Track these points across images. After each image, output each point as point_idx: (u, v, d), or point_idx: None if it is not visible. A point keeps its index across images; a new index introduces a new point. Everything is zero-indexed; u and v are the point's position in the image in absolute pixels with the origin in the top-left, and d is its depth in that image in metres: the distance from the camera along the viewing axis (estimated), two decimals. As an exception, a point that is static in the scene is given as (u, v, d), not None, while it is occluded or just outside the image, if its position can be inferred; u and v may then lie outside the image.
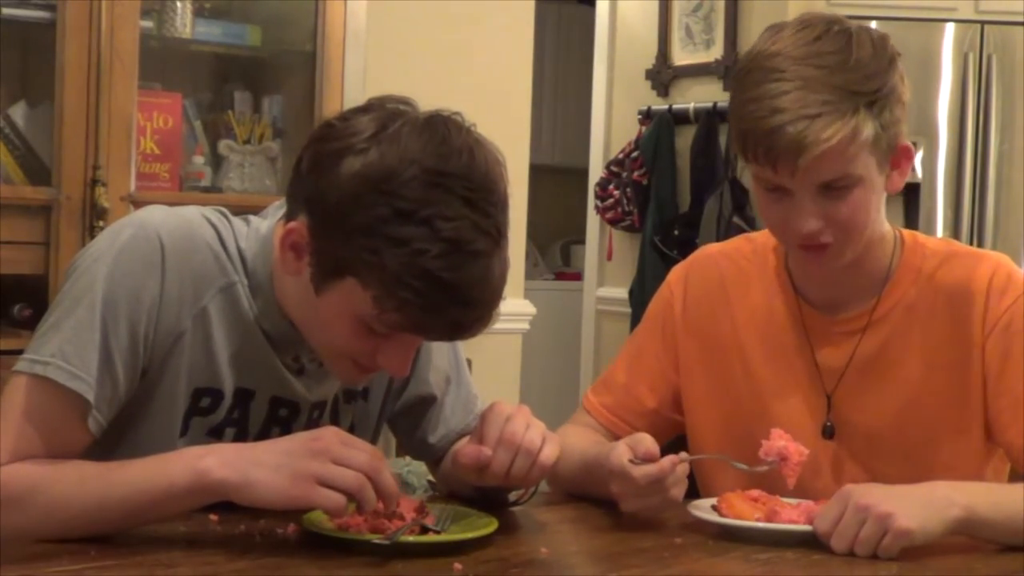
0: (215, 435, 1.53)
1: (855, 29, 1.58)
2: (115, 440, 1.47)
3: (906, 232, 1.75)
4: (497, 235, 1.38)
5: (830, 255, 1.62)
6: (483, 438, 1.47)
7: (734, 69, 1.67)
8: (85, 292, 1.43)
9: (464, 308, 1.37)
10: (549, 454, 1.47)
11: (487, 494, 1.61)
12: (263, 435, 1.55)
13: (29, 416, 1.40)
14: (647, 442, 1.53)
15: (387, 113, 1.40)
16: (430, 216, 1.33)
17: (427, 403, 1.71)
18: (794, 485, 1.56)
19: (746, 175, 1.58)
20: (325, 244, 1.39)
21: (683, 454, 1.55)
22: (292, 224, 1.42)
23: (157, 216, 1.49)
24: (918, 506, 1.46)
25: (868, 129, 1.54)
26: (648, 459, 1.51)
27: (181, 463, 1.36)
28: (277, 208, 1.55)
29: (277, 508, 1.35)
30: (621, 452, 1.53)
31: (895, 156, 1.62)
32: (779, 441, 1.56)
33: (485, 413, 1.50)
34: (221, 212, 1.56)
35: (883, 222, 1.69)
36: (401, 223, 1.33)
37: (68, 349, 1.41)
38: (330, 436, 1.38)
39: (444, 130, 1.38)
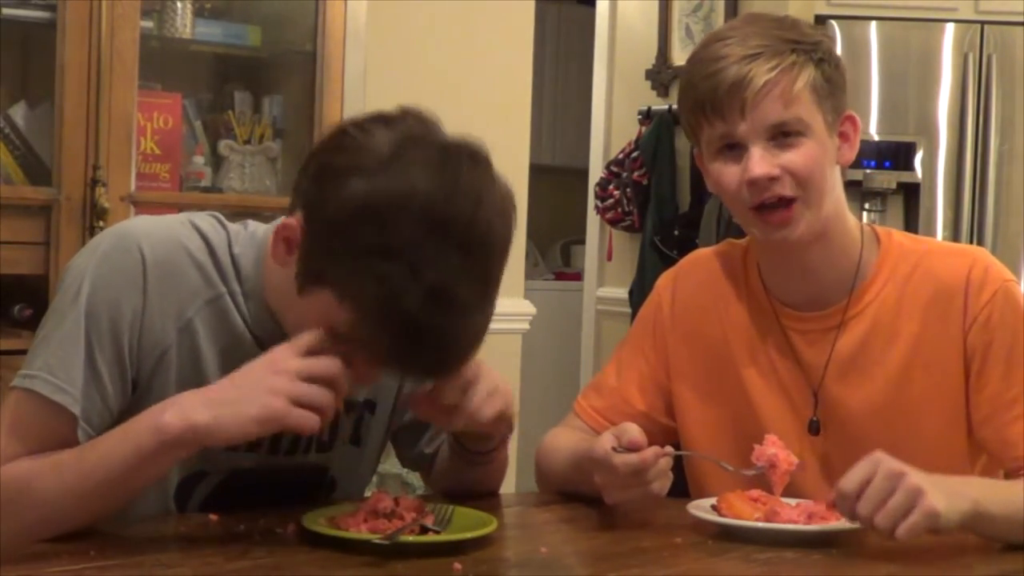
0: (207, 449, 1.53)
1: (787, 15, 1.70)
2: None
3: (880, 229, 1.76)
4: (485, 286, 1.36)
5: (794, 215, 1.63)
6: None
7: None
8: (70, 307, 1.44)
9: (437, 355, 1.37)
10: (490, 408, 1.50)
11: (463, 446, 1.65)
12: (256, 445, 1.54)
13: (18, 429, 1.41)
14: (632, 432, 1.53)
15: (406, 135, 1.37)
16: (417, 259, 1.31)
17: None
18: (780, 493, 1.57)
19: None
20: (313, 250, 1.38)
21: (668, 447, 1.56)
22: (289, 219, 1.42)
23: (140, 227, 1.48)
24: (942, 491, 1.42)
25: (808, 72, 1.61)
26: (632, 449, 1.52)
27: (143, 424, 1.36)
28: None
29: (252, 437, 1.36)
30: (605, 441, 1.54)
31: (842, 125, 1.67)
32: (770, 448, 1.57)
33: None
34: (215, 217, 1.54)
35: (847, 217, 1.72)
36: (386, 259, 1.31)
37: (54, 363, 1.42)
38: (286, 353, 1.37)
39: (457, 167, 1.35)
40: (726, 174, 1.64)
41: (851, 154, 1.69)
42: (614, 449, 1.52)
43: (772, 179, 1.61)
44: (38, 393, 1.41)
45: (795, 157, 1.61)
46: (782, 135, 1.61)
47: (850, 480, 1.42)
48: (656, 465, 1.52)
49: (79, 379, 1.42)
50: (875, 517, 1.40)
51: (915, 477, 1.40)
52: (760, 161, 1.60)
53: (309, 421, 1.34)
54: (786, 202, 1.62)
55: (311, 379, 1.35)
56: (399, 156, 1.34)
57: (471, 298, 1.34)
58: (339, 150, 1.39)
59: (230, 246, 1.51)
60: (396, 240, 1.31)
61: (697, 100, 1.63)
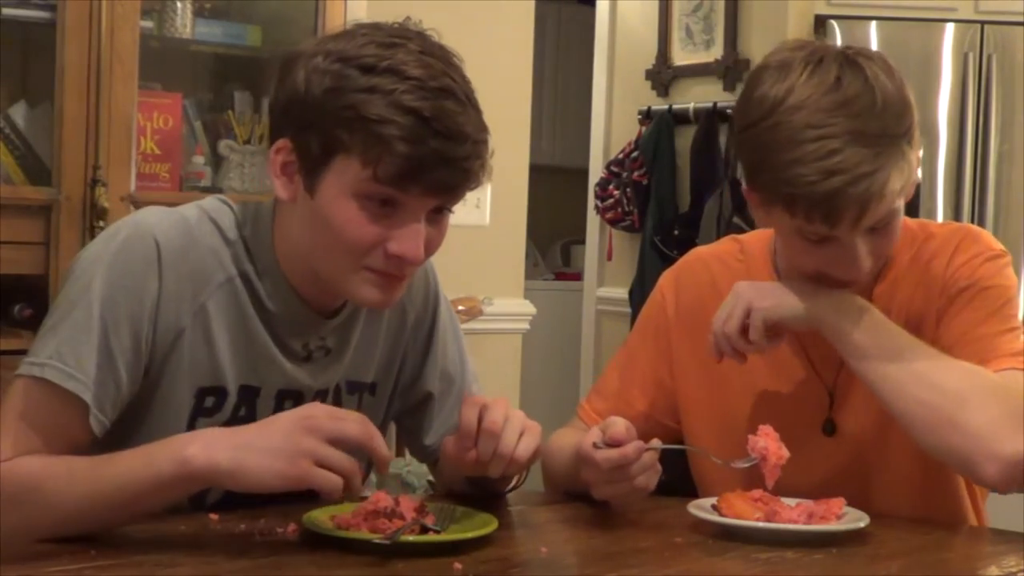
0: None
1: (859, 59, 1.55)
2: (119, 441, 1.47)
3: None
4: (466, 83, 1.45)
5: (862, 279, 1.63)
6: (463, 431, 1.48)
7: (744, 115, 1.56)
8: (81, 295, 1.44)
9: (446, 140, 1.40)
10: (525, 448, 1.47)
11: (481, 484, 1.61)
12: None
13: (28, 417, 1.41)
14: (616, 426, 1.53)
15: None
16: (392, 65, 1.41)
17: (427, 401, 1.72)
18: (771, 486, 1.56)
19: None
20: (307, 134, 1.43)
21: (654, 440, 1.55)
22: (274, 147, 1.48)
23: (152, 217, 1.51)
24: (781, 293, 1.62)
25: (913, 165, 1.56)
26: (613, 444, 1.52)
27: (166, 453, 1.35)
28: None
29: (273, 490, 1.34)
30: (590, 436, 1.55)
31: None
32: (761, 440, 1.56)
33: (462, 406, 1.50)
34: (222, 201, 1.57)
35: None
36: (367, 75, 1.40)
37: (65, 350, 1.42)
38: (319, 412, 1.38)
39: (396, 24, 1.49)
40: (809, 258, 1.61)
41: (911, 190, 1.62)
42: (595, 445, 1.52)
43: None
44: (48, 381, 1.41)
45: (884, 241, 1.59)
46: (877, 227, 1.57)
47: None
48: (639, 460, 1.52)
49: (91, 367, 1.42)
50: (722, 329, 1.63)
51: (749, 292, 1.63)
52: (862, 260, 1.57)
53: (331, 483, 1.33)
54: None
55: (340, 442, 1.35)
56: (339, 33, 1.48)
57: (452, 86, 1.43)
58: (285, 58, 1.48)
59: (239, 228, 1.54)
60: (367, 60, 1.41)
61: (800, 205, 1.52)
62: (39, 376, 1.41)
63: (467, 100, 1.44)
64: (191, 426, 1.51)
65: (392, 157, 1.39)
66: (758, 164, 1.55)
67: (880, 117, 1.51)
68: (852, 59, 1.55)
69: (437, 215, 1.48)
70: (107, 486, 1.35)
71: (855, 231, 1.55)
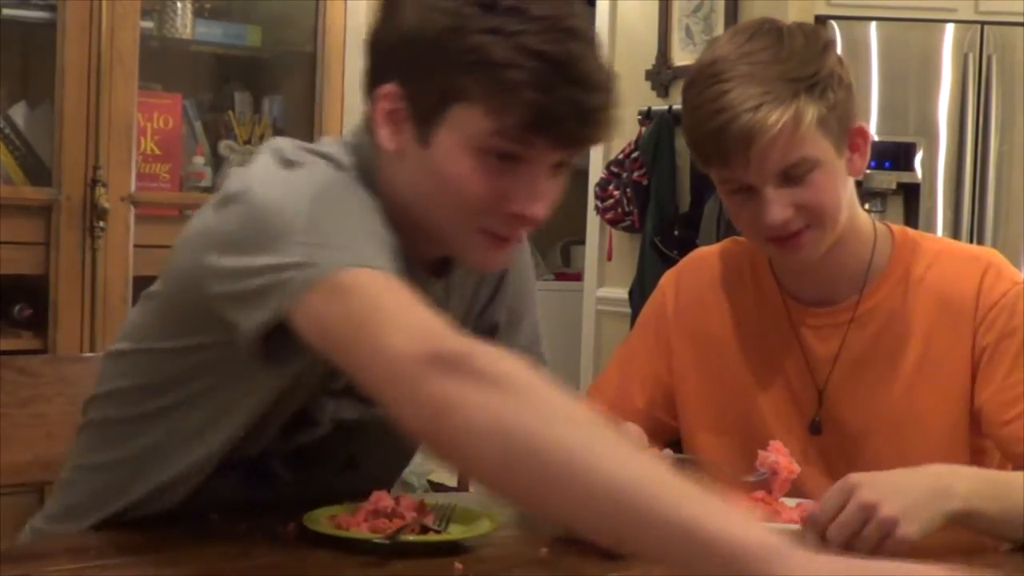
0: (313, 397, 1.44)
1: (785, 25, 1.63)
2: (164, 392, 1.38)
3: (896, 228, 1.76)
4: (589, 26, 1.33)
5: (807, 242, 1.63)
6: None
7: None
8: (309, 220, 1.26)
9: (578, 88, 1.29)
10: None
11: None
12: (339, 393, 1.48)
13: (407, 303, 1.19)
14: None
15: None
16: (515, 4, 1.29)
17: (493, 332, 1.67)
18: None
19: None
20: (420, 80, 1.32)
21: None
22: (380, 91, 1.35)
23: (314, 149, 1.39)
24: (920, 504, 1.41)
25: (811, 111, 1.57)
26: None
27: (752, 549, 0.96)
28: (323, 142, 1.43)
29: None
30: None
31: (851, 139, 1.64)
32: (772, 455, 1.57)
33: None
34: (338, 143, 1.45)
35: (859, 213, 1.71)
36: (489, 15, 1.28)
37: (364, 244, 1.26)
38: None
39: None
40: (741, 213, 1.65)
41: (862, 163, 1.67)
42: None
43: (788, 220, 1.61)
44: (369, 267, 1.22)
45: (807, 193, 1.60)
46: (791, 174, 1.59)
47: (824, 512, 1.40)
48: None
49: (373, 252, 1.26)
50: (848, 545, 1.38)
51: (888, 506, 1.38)
52: (775, 207, 1.59)
53: None
54: (797, 232, 1.62)
55: None
56: None
57: (579, 26, 1.31)
58: (387, 8, 1.36)
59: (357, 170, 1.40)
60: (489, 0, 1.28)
61: (700, 146, 1.61)
62: (360, 264, 1.21)
63: (594, 43, 1.33)
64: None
65: (520, 107, 1.27)
66: (683, 121, 1.64)
67: (778, 64, 1.57)
68: (775, 24, 1.63)
69: (557, 169, 1.37)
70: (666, 509, 1.00)
71: (757, 172, 1.57)
